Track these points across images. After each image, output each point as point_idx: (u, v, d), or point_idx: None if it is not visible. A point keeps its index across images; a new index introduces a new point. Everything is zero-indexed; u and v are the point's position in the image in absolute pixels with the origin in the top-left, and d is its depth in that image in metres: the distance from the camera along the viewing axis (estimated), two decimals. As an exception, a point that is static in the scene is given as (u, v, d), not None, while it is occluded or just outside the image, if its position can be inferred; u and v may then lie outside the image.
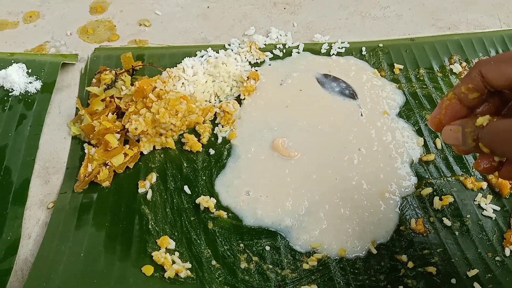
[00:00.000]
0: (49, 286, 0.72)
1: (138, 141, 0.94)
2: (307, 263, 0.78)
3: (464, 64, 1.12)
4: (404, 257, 0.79)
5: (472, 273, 0.77)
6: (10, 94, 1.02)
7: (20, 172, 0.90)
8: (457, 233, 0.83)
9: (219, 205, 0.86)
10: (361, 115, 0.98)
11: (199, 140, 0.95)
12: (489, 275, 0.77)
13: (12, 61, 1.07)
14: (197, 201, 0.85)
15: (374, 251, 0.80)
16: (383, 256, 0.80)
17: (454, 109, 0.57)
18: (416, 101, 1.03)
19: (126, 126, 0.92)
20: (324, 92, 1.02)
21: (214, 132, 0.97)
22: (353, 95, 1.01)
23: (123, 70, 1.05)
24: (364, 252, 0.80)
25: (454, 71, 1.10)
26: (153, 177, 0.89)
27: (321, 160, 0.90)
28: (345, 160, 0.90)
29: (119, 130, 0.93)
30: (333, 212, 0.83)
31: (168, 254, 0.78)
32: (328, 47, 1.13)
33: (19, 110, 1.00)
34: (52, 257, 0.76)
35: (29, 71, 1.06)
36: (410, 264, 0.79)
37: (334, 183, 0.87)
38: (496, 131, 0.50)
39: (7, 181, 0.89)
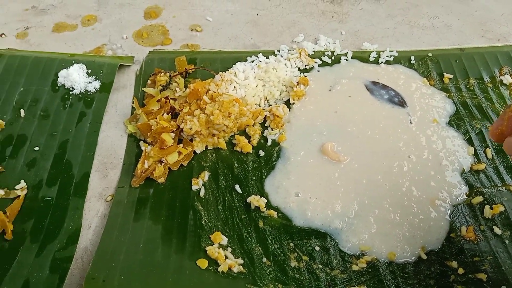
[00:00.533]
0: (111, 273, 0.76)
1: (191, 140, 0.98)
2: (357, 265, 0.80)
3: (515, 75, 1.12)
4: (454, 264, 0.80)
5: (524, 282, 0.77)
6: (70, 92, 1.09)
7: (80, 166, 0.96)
8: (507, 242, 0.83)
9: (269, 205, 0.89)
10: (411, 122, 1.00)
11: (249, 142, 0.98)
12: (540, 284, 0.77)
13: (73, 62, 1.14)
14: (248, 200, 0.89)
15: (424, 257, 0.81)
16: (433, 261, 0.81)
17: None
18: (466, 111, 1.04)
19: (181, 126, 0.97)
20: (373, 99, 1.04)
21: (264, 134, 1.01)
22: (402, 103, 1.03)
23: (177, 72, 1.10)
24: (413, 257, 0.81)
25: (504, 82, 1.11)
26: (205, 175, 0.93)
27: (371, 165, 0.92)
28: (395, 167, 0.92)
29: (174, 129, 0.97)
30: (383, 217, 0.85)
31: (221, 249, 0.81)
32: (377, 55, 1.15)
33: (79, 108, 1.06)
34: (113, 246, 0.81)
35: (89, 71, 1.13)
36: (461, 271, 0.79)
37: (384, 188, 0.88)
38: None
39: (68, 174, 0.94)
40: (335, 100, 1.04)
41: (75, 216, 0.88)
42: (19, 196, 0.91)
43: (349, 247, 0.82)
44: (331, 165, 0.93)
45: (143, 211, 0.87)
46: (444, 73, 1.12)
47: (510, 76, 1.11)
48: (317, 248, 0.83)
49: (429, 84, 1.09)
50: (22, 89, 1.09)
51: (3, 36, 1.26)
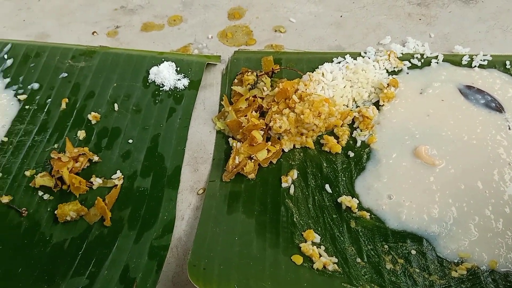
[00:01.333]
0: (210, 262, 0.79)
1: (279, 139, 1.00)
2: (456, 271, 0.79)
3: None
4: None
5: None
6: (161, 89, 1.14)
7: (172, 159, 1.00)
8: None
9: (360, 206, 0.89)
10: (509, 128, 0.96)
11: (338, 142, 0.99)
12: None
13: (162, 59, 1.20)
14: (339, 200, 0.89)
15: (530, 267, 0.78)
16: (538, 274, 0.78)
17: None
18: None
19: (270, 125, 0.99)
20: (467, 103, 1.01)
21: (352, 135, 1.01)
22: (499, 108, 1.00)
23: (263, 72, 1.13)
24: (520, 267, 0.78)
25: None
26: (294, 173, 0.95)
27: (469, 171, 0.90)
28: (495, 174, 0.89)
29: (263, 127, 0.99)
30: (484, 225, 0.83)
31: (315, 246, 0.82)
32: (469, 59, 1.12)
33: (169, 104, 1.11)
34: (209, 237, 0.84)
35: (178, 69, 1.17)
36: None
37: (484, 196, 0.86)
38: None
39: (161, 166, 0.99)
40: (427, 103, 1.02)
41: (169, 207, 0.92)
42: (116, 185, 0.96)
43: (447, 254, 0.80)
44: (425, 169, 0.92)
45: (236, 205, 0.89)
46: (543, 79, 1.07)
47: None
48: (413, 252, 0.82)
49: (527, 90, 1.05)
50: (115, 84, 1.16)
51: (95, 34, 1.34)
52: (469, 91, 1.03)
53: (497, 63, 1.12)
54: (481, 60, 1.11)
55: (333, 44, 1.23)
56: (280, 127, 0.97)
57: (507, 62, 1.11)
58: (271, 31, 1.29)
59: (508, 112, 1.00)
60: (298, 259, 0.80)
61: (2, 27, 1.39)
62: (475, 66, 1.10)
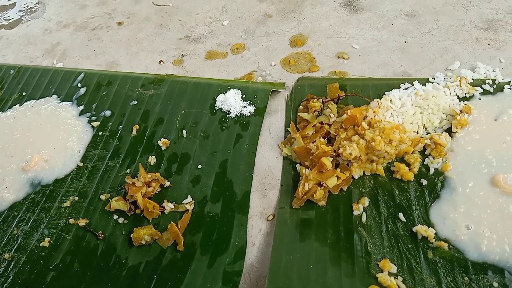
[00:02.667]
0: (287, 290, 0.80)
1: (348, 165, 1.01)
2: (544, 308, 0.76)
3: None
4: None
5: None
6: (227, 115, 1.18)
7: (241, 185, 1.03)
8: None
9: (437, 236, 0.88)
10: None
11: (409, 170, 0.99)
12: None
13: (228, 87, 1.24)
14: (414, 229, 0.88)
15: None
16: None
17: None
18: None
19: (339, 151, 1.00)
20: (547, 130, 0.99)
21: (424, 163, 1.00)
22: None
23: (329, 99, 1.15)
24: None
25: None
26: (365, 201, 0.95)
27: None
28: None
29: (332, 154, 1.01)
30: None
31: (392, 277, 0.82)
32: (545, 85, 1.10)
33: (235, 130, 1.15)
34: (284, 265, 0.85)
35: (243, 96, 1.22)
36: None
37: None
38: None
39: (230, 192, 1.02)
40: (503, 130, 1.01)
41: (240, 232, 0.94)
42: (188, 210, 1.00)
43: (535, 288, 0.78)
44: (504, 198, 0.90)
45: (308, 233, 0.91)
46: None
47: None
48: (496, 284, 0.80)
49: None
50: (183, 111, 1.21)
51: (161, 62, 1.42)
52: (547, 122, 1.01)
53: None
54: (557, 85, 1.09)
55: (398, 70, 1.24)
56: (351, 154, 0.98)
57: None
58: (334, 58, 1.32)
59: None
60: (375, 290, 0.80)
61: (74, 57, 1.50)
62: (552, 91, 1.08)
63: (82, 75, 1.37)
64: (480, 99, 1.10)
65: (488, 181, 0.93)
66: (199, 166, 1.08)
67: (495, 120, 1.04)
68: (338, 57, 1.32)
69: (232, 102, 1.20)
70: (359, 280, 0.82)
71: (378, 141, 0.97)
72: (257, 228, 0.95)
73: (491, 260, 0.83)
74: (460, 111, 1.04)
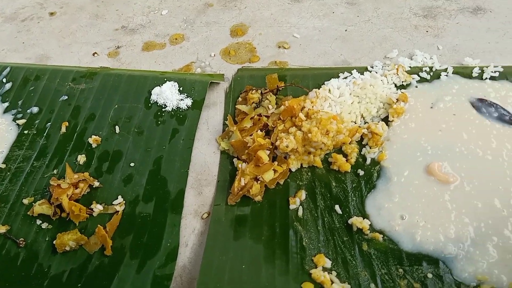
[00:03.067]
0: (216, 292, 0.77)
1: (285, 158, 0.98)
2: (475, 296, 0.75)
3: None
4: None
5: None
6: (163, 109, 1.13)
7: (175, 182, 0.98)
8: None
9: (372, 227, 0.86)
10: (525, 142, 0.94)
11: (346, 161, 0.97)
12: None
13: (165, 79, 1.19)
14: (349, 221, 0.86)
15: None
16: None
17: None
18: None
19: (276, 144, 0.97)
20: (480, 117, 0.99)
21: (361, 153, 0.98)
22: (514, 121, 0.98)
23: (268, 90, 1.11)
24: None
25: None
26: (302, 194, 0.92)
27: (485, 189, 0.87)
28: (512, 191, 0.86)
29: (269, 147, 0.97)
30: (503, 246, 0.79)
31: (326, 272, 0.79)
32: (480, 71, 1.10)
33: (171, 125, 1.09)
34: (216, 266, 0.81)
35: (181, 89, 1.16)
36: None
37: (502, 215, 0.83)
38: None
39: (164, 190, 0.97)
40: (438, 118, 1.00)
41: (172, 233, 0.90)
42: (118, 211, 0.94)
43: (465, 277, 0.77)
44: (439, 187, 0.89)
45: (243, 230, 0.87)
46: (558, 90, 1.05)
47: None
48: (430, 275, 0.79)
49: (542, 101, 1.03)
50: (116, 106, 1.15)
51: (95, 55, 1.34)
52: (481, 104, 1.01)
53: (509, 74, 1.09)
54: (492, 71, 1.09)
55: (338, 59, 1.22)
56: (287, 146, 0.95)
57: (520, 73, 1.09)
58: (275, 47, 1.28)
59: (524, 125, 0.97)
60: (309, 287, 0.77)
61: (1, 50, 1.39)
62: (486, 78, 1.08)
63: (8, 69, 1.28)
64: (417, 87, 1.09)
65: (423, 170, 0.92)
66: (132, 164, 1.02)
67: (431, 108, 1.03)
68: (279, 47, 1.28)
69: (168, 95, 1.14)
70: (293, 278, 0.79)
71: (315, 133, 0.94)
72: (191, 228, 0.91)
73: (425, 250, 0.82)
74: (397, 99, 1.03)
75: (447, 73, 1.11)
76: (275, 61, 1.24)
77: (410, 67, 1.14)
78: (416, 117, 1.02)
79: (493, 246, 0.80)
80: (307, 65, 1.21)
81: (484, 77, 1.09)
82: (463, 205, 0.85)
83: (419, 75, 1.11)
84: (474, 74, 1.10)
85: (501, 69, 1.10)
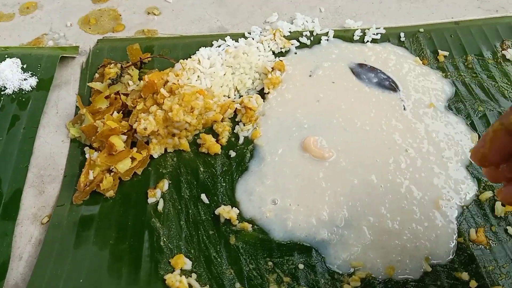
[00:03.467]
0: (43, 317, 0.62)
1: (147, 143, 0.84)
2: (349, 284, 0.68)
3: (518, 49, 1.00)
4: (464, 275, 0.68)
5: (549, 294, 0.65)
6: (2, 92, 0.94)
7: (11, 181, 0.81)
8: (526, 244, 0.71)
9: (241, 217, 0.75)
10: (404, 109, 0.87)
11: (217, 141, 0.85)
12: None
13: (6, 56, 0.98)
14: (216, 211, 0.75)
15: (429, 269, 0.69)
16: (439, 274, 0.69)
17: (501, 142, 0.47)
18: (467, 92, 0.92)
19: (134, 126, 0.83)
20: (360, 84, 0.91)
21: (235, 131, 0.87)
22: (393, 87, 0.91)
23: (130, 63, 0.96)
24: (417, 272, 0.68)
25: (507, 57, 0.99)
26: (164, 184, 0.79)
27: (362, 163, 0.79)
28: (390, 164, 0.79)
29: (125, 131, 0.83)
30: (379, 226, 0.72)
31: (183, 276, 0.68)
32: (362, 34, 1.02)
33: (11, 111, 0.91)
34: (46, 281, 0.67)
35: (24, 66, 0.97)
36: (473, 284, 0.68)
37: (379, 191, 0.76)
38: None
39: (-4, 192, 0.79)
40: (316, 87, 0.91)
41: (2, 245, 0.73)
42: None
43: (339, 264, 0.69)
44: (314, 164, 0.80)
45: (87, 234, 0.73)
46: (439, 50, 0.99)
47: (513, 50, 0.99)
48: (301, 266, 0.70)
49: (423, 63, 0.97)
50: None
51: None
52: (361, 70, 0.93)
53: (391, 36, 1.02)
54: (374, 34, 1.02)
55: (215, 25, 1.08)
56: (145, 128, 0.81)
57: (401, 34, 1.02)
58: (143, 14, 1.12)
59: (403, 90, 0.90)
60: (161, 296, 0.65)
61: None
62: (368, 41, 1.00)
63: None
64: (296, 53, 0.98)
65: (298, 146, 0.83)
66: (-42, 161, 0.83)
67: (310, 76, 0.93)
68: (148, 13, 1.12)
69: (8, 75, 0.94)
70: (143, 287, 0.66)
71: (176, 111, 0.81)
72: (27, 236, 0.75)
73: (297, 238, 0.73)
74: (272, 68, 0.92)
75: (328, 37, 1.01)
76: (143, 30, 1.08)
77: (290, 31, 1.03)
78: (294, 87, 0.91)
79: (368, 227, 0.72)
80: (179, 33, 1.06)
81: (365, 40, 1.01)
82: (338, 183, 0.77)
83: (299, 41, 1.01)
84: (356, 38, 1.01)
85: (383, 31, 1.03)
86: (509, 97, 0.91)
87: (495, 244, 0.72)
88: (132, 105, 0.88)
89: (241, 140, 0.85)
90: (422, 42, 1.01)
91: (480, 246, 0.72)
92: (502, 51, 1.00)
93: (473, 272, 0.69)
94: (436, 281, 0.68)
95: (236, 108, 0.89)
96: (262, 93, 0.92)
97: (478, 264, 0.70)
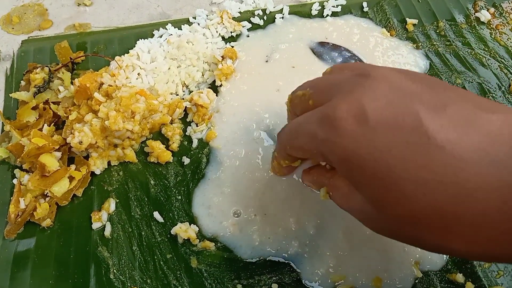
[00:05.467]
0: None
1: (87, 157, 0.74)
2: (331, 301, 0.60)
3: (492, 10, 0.93)
4: (459, 277, 0.62)
5: (549, 287, 0.60)
6: None
7: None
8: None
9: (202, 234, 0.67)
10: (375, 89, 0.79)
11: (168, 147, 0.75)
12: None
13: None
14: (172, 231, 0.66)
15: (420, 274, 0.62)
16: (431, 278, 0.62)
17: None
18: (442, 63, 0.85)
19: (68, 140, 0.72)
20: (323, 65, 0.83)
21: (187, 133, 0.78)
22: (360, 65, 0.82)
23: (60, 65, 0.84)
24: (407, 280, 0.61)
25: (481, 20, 0.92)
26: (111, 204, 0.70)
27: (332, 157, 0.71)
28: (363, 154, 0.71)
29: (58, 146, 0.72)
30: (357, 232, 0.64)
31: (137, 315, 0.59)
32: (320, 8, 0.93)
33: None
34: None
35: None
36: (469, 286, 0.61)
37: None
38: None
39: None
40: (275, 74, 0.82)
41: None
42: None
43: (318, 280, 0.62)
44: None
45: (22, 275, 0.63)
46: (407, 19, 0.92)
47: (487, 11, 0.92)
48: (275, 286, 0.62)
49: (390, 35, 0.89)
50: None
51: None
52: (323, 49, 0.84)
53: (353, 7, 0.94)
54: (333, 6, 0.92)
55: (155, 12, 0.97)
56: (81, 142, 0.71)
57: (364, 4, 0.94)
58: (73, 6, 0.99)
59: (372, 68, 0.82)
60: None
61: None
62: (327, 15, 0.91)
63: None
64: (248, 36, 0.89)
65: (258, 147, 0.74)
66: None
67: (266, 61, 0.84)
68: (79, 5, 1.00)
69: None
70: (88, 335, 0.58)
71: (113, 118, 0.71)
72: (-48, 284, 0.65)
73: (267, 253, 0.65)
74: (222, 57, 0.82)
75: (283, 14, 0.92)
76: (74, 24, 0.96)
77: (240, 12, 0.93)
78: (249, 76, 0.82)
79: (344, 234, 0.64)
80: (114, 25, 0.95)
81: (325, 14, 0.92)
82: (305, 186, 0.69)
83: (250, 21, 0.91)
84: (314, 12, 0.92)
85: (344, 2, 0.94)
86: (488, 65, 0.84)
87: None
88: (65, 114, 0.77)
89: (194, 144, 0.76)
90: (388, 10, 0.93)
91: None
92: (475, 13, 0.93)
93: (468, 273, 0.63)
94: (429, 286, 0.62)
95: (185, 107, 0.79)
96: (214, 87, 0.82)
97: (473, 263, 0.63)
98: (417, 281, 0.62)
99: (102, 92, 0.76)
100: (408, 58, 0.83)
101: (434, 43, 0.88)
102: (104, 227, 0.68)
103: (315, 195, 0.67)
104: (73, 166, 0.73)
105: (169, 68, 0.82)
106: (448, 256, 0.63)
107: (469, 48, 0.87)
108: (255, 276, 0.63)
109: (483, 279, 0.61)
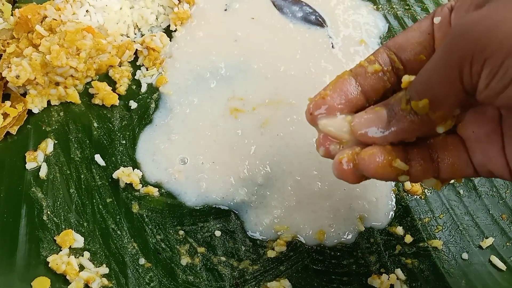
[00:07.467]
0: None
1: (24, 95, 0.70)
2: (273, 249, 0.61)
3: (453, -20, 0.94)
4: (399, 230, 0.64)
5: (486, 243, 0.63)
6: None
7: None
8: (461, 191, 0.67)
9: (145, 180, 0.65)
10: (332, 47, 0.79)
11: (114, 90, 0.73)
12: (508, 244, 0.63)
13: None
14: (114, 175, 0.64)
15: (362, 228, 0.63)
16: (371, 230, 0.64)
17: (346, 87, 0.47)
18: (400, 27, 0.86)
19: (3, 74, 0.68)
20: (283, 19, 0.82)
21: (136, 77, 0.75)
22: (320, 22, 0.82)
23: (-1, -5, 0.79)
24: (351, 234, 0.63)
25: (443, -15, 0.93)
26: (48, 145, 0.67)
27: (288, 113, 0.70)
28: (321, 111, 0.71)
29: (-3, 80, 0.68)
30: (307, 186, 0.65)
31: (72, 256, 0.57)
32: (285, -40, 0.91)
33: None
34: None
35: None
36: (408, 239, 0.63)
37: (307, 143, 0.68)
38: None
39: None
40: (233, 24, 0.80)
41: None
42: None
43: (262, 229, 0.62)
44: (232, 115, 0.70)
45: None
46: (369, -21, 0.92)
47: (448, -21, 0.94)
48: (218, 233, 0.62)
49: (352, -5, 0.89)
50: None
51: None
52: (284, 3, 0.83)
53: (319, -38, 0.92)
54: (298, -41, 0.91)
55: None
56: (18, 76, 0.67)
57: (330, -40, 0.92)
58: None
59: (332, 25, 0.82)
60: (42, 284, 0.55)
61: None
62: (292, -31, 0.90)
63: None
64: (208, -17, 0.86)
65: (212, 95, 0.72)
66: None
67: (225, 10, 0.82)
68: None
69: None
70: (19, 275, 0.56)
71: (56, 53, 0.67)
72: None
73: (212, 201, 0.64)
74: (179, 0, 0.79)
75: (245, -37, 0.89)
76: (17, -47, 0.89)
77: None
78: (206, 23, 0.80)
79: (295, 186, 0.65)
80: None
81: (289, -33, 0.90)
82: (259, 136, 0.69)
83: (211, -32, 0.88)
84: (277, -35, 0.90)
85: (309, -44, 0.92)
86: (444, 32, 0.85)
87: (430, 193, 0.68)
88: (2, 47, 0.72)
89: (143, 88, 0.74)
90: (351, -29, 0.93)
91: (415, 196, 0.67)
92: (436, -19, 0.94)
93: (408, 226, 0.65)
94: (369, 238, 0.63)
95: (136, 49, 0.77)
96: (168, 31, 0.80)
97: (414, 217, 0.65)
98: (359, 235, 0.63)
99: (45, 26, 0.72)
100: (368, 18, 0.84)
101: (394, 6, 0.88)
102: (39, 168, 0.65)
103: (267, 145, 0.67)
104: (8, 103, 0.69)
105: (121, 8, 0.79)
106: (392, 213, 0.65)
107: (427, 13, 0.88)
108: (199, 222, 0.62)
109: (422, 232, 0.64)
